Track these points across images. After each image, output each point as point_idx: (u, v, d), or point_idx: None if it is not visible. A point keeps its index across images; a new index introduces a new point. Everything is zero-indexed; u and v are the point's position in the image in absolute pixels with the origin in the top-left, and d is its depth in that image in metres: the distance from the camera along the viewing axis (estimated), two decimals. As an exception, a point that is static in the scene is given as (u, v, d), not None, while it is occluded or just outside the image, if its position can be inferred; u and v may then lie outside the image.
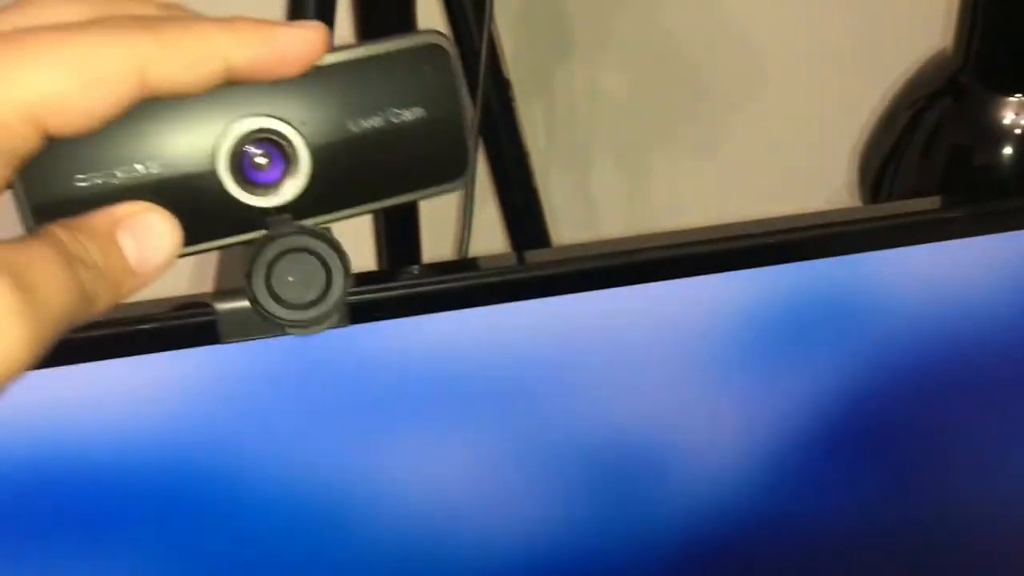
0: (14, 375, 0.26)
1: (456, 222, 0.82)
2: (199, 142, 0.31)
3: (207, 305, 0.39)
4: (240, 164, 0.32)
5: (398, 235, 0.83)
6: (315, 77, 0.32)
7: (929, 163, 0.72)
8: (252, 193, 0.32)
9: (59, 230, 0.29)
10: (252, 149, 0.32)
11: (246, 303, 0.33)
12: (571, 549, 0.53)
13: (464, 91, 0.34)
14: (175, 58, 0.29)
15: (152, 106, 0.30)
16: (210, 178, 0.32)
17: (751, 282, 0.50)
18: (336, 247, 0.33)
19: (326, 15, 0.75)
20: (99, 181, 0.31)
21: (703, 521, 0.54)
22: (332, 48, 0.32)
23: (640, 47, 1.04)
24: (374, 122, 0.33)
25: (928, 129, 0.72)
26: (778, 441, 0.53)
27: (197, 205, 0.32)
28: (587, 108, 1.05)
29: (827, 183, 0.97)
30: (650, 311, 0.49)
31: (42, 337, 0.27)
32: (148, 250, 0.31)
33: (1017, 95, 0.69)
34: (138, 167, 0.31)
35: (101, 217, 0.30)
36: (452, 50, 0.34)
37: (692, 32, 1.03)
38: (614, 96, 1.05)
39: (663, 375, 0.50)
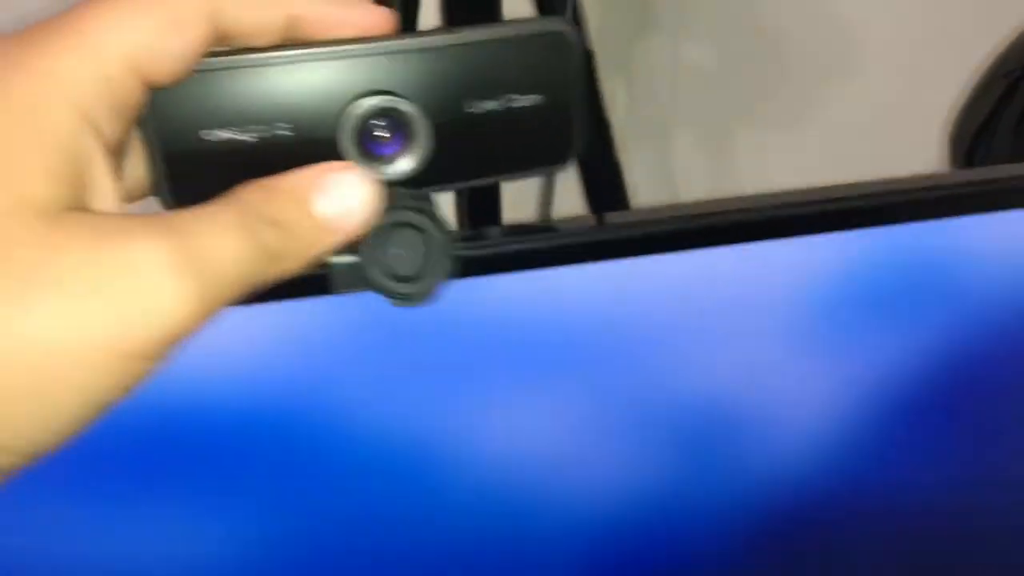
0: (177, 333, 0.27)
1: (537, 191, 0.82)
2: (326, 110, 0.32)
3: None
4: (362, 135, 0.33)
5: (479, 201, 0.83)
6: (440, 56, 0.33)
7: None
8: (369, 164, 0.33)
9: (251, 191, 0.30)
10: (375, 122, 0.33)
11: (357, 258, 0.34)
12: (654, 512, 0.53)
13: (582, 81, 0.35)
14: (245, 7, 0.30)
15: (283, 71, 0.32)
16: (333, 145, 0.32)
17: (838, 246, 0.49)
18: (442, 228, 0.34)
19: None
20: (228, 136, 0.32)
21: (784, 488, 0.53)
22: (459, 29, 0.33)
23: (725, 20, 1.02)
24: (491, 105, 0.34)
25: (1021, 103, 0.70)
26: (864, 408, 0.51)
27: None
28: (670, 81, 1.04)
29: (918, 158, 0.95)
30: (734, 274, 0.48)
31: (211, 298, 0.27)
32: (344, 208, 0.31)
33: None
34: (267, 127, 0.32)
35: (296, 176, 0.31)
36: (575, 39, 0.34)
37: (778, 4, 1.01)
38: (699, 69, 1.03)
39: (749, 339, 0.49)
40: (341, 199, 0.31)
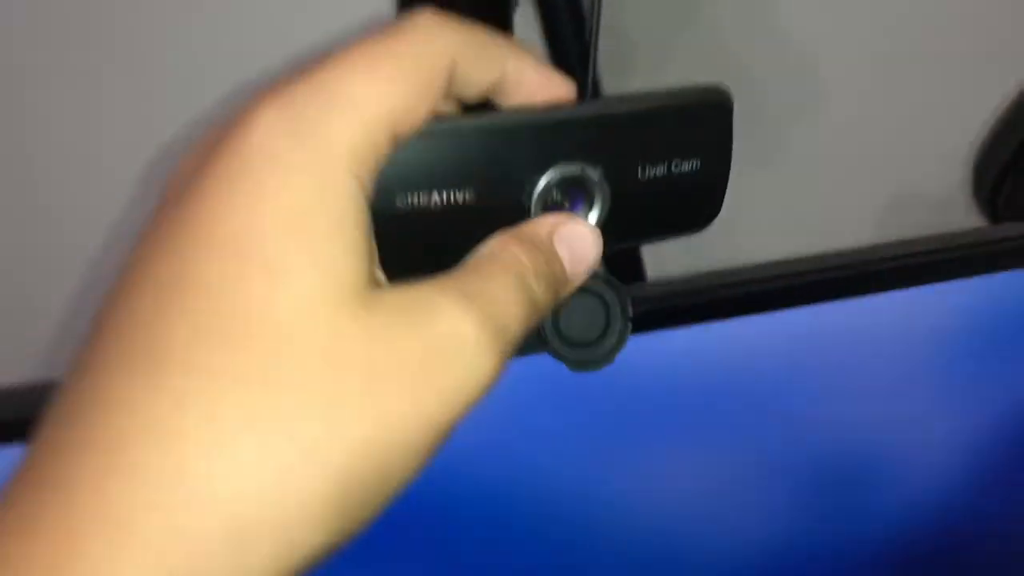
0: (476, 403, 0.28)
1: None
2: (513, 177, 0.32)
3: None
4: (547, 201, 0.33)
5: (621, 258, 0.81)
6: (621, 124, 0.33)
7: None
8: None
9: (514, 244, 0.31)
10: (557, 190, 0.33)
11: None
12: (799, 557, 0.53)
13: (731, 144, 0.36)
14: (475, 55, 0.30)
15: (476, 138, 0.32)
16: (518, 212, 0.33)
17: (951, 295, 0.48)
18: (623, 298, 0.35)
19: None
20: (418, 202, 0.31)
21: (926, 531, 0.52)
22: (631, 96, 0.34)
23: (701, 65, 1.01)
24: (658, 171, 0.34)
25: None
26: (994, 453, 0.50)
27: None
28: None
29: (890, 191, 0.95)
30: (854, 327, 0.47)
31: (506, 360, 0.28)
32: (578, 257, 0.32)
33: None
34: (456, 193, 0.32)
35: (543, 226, 0.32)
36: (731, 104, 0.35)
37: (749, 44, 1.00)
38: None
39: (877, 388, 0.48)
40: (578, 247, 0.32)
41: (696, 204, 0.36)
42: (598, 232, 0.33)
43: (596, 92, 0.76)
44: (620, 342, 0.35)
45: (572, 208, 0.33)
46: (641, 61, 1.00)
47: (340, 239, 0.27)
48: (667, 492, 0.49)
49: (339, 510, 0.25)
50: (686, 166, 0.35)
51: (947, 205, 0.95)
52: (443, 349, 0.27)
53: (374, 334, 0.26)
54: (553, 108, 0.33)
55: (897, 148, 0.95)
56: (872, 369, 0.48)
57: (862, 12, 0.93)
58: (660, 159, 0.34)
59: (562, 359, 0.34)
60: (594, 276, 0.34)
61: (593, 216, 0.33)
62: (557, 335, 0.34)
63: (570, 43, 0.79)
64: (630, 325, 0.35)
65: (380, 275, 0.30)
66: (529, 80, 0.32)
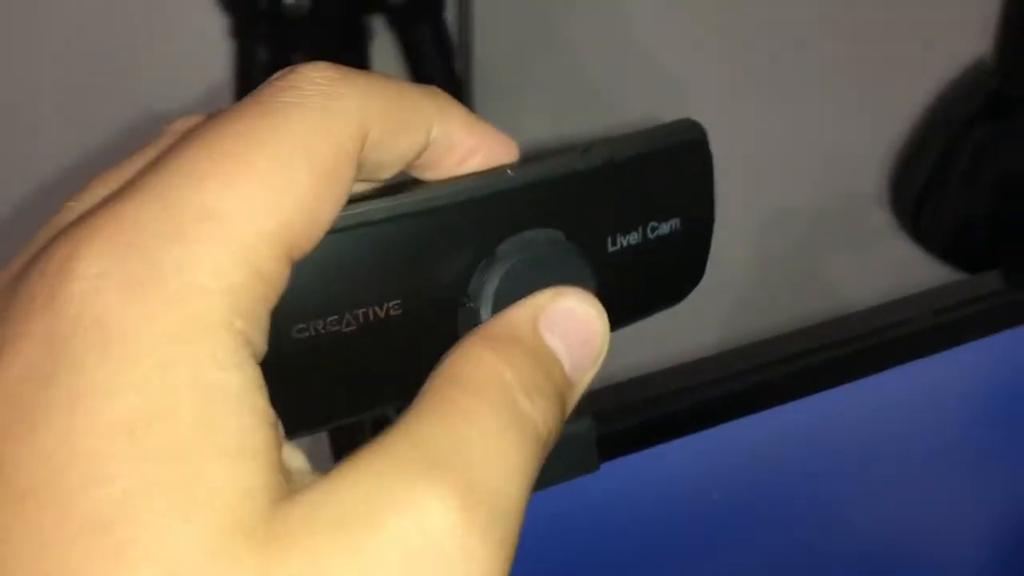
0: None
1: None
2: (451, 274, 0.24)
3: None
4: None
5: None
6: (582, 184, 0.25)
7: (978, 192, 0.66)
8: None
9: (487, 352, 0.21)
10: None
11: None
12: None
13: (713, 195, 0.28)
14: (392, 121, 0.21)
15: (389, 233, 0.23)
16: (462, 313, 0.24)
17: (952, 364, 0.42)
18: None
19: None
20: (323, 328, 0.22)
21: None
22: (583, 147, 0.25)
23: (561, 90, 0.96)
24: (632, 239, 0.27)
25: (971, 156, 0.66)
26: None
27: (441, 344, 0.23)
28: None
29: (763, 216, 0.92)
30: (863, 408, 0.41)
31: (513, 545, 0.19)
32: (581, 349, 0.23)
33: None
34: (375, 309, 0.23)
35: (521, 313, 0.22)
36: (708, 141, 0.28)
37: (615, 74, 0.95)
38: (536, 139, 0.96)
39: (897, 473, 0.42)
40: (578, 333, 0.23)
41: (676, 272, 0.28)
42: (599, 311, 0.24)
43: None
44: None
45: None
46: (502, 85, 0.94)
47: (226, 454, 0.17)
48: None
49: None
50: (664, 228, 0.27)
51: (850, 214, 0.91)
52: (413, 565, 0.18)
53: (309, 552, 0.17)
54: (492, 175, 0.24)
55: (787, 163, 0.91)
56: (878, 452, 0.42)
57: (738, 26, 0.89)
58: (633, 224, 0.27)
59: None
60: None
61: None
62: None
63: (435, 72, 0.72)
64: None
65: (290, 456, 0.21)
66: (461, 144, 0.23)
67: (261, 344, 0.19)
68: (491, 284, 0.24)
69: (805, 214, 0.95)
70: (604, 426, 0.35)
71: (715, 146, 0.28)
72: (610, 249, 0.26)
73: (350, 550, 0.17)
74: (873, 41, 0.84)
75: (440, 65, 0.70)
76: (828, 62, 0.85)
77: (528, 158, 0.25)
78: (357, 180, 0.22)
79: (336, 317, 0.22)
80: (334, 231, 0.21)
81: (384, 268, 0.23)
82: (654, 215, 0.27)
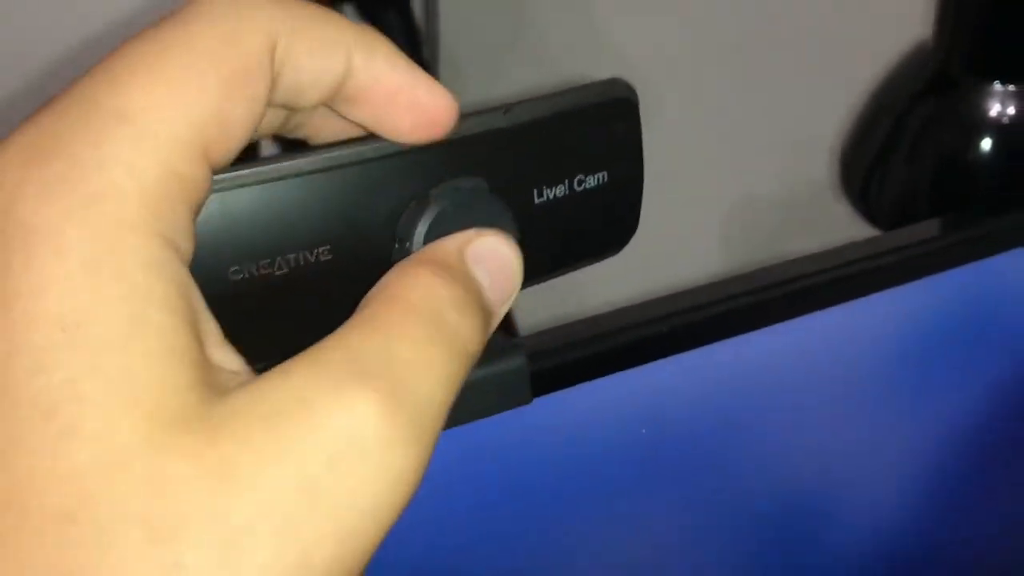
0: (407, 498, 0.20)
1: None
2: (379, 221, 0.26)
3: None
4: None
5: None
6: (509, 139, 0.27)
7: (919, 167, 0.69)
8: None
9: (423, 272, 0.23)
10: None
11: None
12: None
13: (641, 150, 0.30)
14: (306, 36, 0.23)
15: (321, 180, 0.25)
16: (396, 254, 0.26)
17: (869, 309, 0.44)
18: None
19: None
20: (258, 271, 0.24)
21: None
22: (513, 104, 0.28)
23: (528, 78, 0.97)
24: (558, 191, 0.29)
25: (915, 133, 0.69)
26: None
27: (371, 287, 0.25)
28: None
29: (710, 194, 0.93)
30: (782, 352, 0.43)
31: (432, 447, 0.21)
32: (500, 282, 0.25)
33: (1011, 84, 0.66)
34: (306, 254, 0.25)
35: (451, 244, 0.24)
36: (637, 100, 0.30)
37: (581, 63, 0.97)
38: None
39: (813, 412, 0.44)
40: (499, 268, 0.25)
41: (608, 223, 0.30)
42: (518, 249, 0.26)
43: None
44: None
45: None
46: (469, 72, 0.96)
47: (151, 352, 0.19)
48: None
49: None
50: (591, 181, 0.29)
51: (812, 201, 0.93)
52: (335, 463, 0.19)
53: (225, 472, 0.18)
54: None
55: (751, 146, 0.93)
56: (807, 394, 0.44)
57: (698, 10, 0.91)
58: (559, 177, 0.29)
59: None
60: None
61: None
62: None
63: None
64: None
65: (226, 358, 0.22)
66: (385, 79, 0.24)
67: (186, 246, 0.21)
68: (422, 226, 0.26)
69: (770, 201, 0.97)
70: (537, 363, 0.37)
71: (682, 135, 0.31)
72: (537, 201, 0.28)
73: (279, 440, 0.19)
74: (835, 25, 0.87)
75: (407, 52, 0.72)
76: (795, 47, 0.88)
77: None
78: (281, 107, 0.24)
79: (268, 261, 0.24)
80: (267, 180, 0.24)
81: (314, 216, 0.25)
82: (581, 169, 0.29)
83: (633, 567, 0.45)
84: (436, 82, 0.25)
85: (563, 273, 0.30)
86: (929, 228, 0.47)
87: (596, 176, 0.29)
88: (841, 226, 0.92)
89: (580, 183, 0.29)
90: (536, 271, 0.29)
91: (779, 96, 0.91)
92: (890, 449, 0.48)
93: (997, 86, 0.66)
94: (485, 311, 0.24)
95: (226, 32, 0.21)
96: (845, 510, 0.48)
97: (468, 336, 0.23)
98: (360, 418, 0.19)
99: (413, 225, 0.26)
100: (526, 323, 0.76)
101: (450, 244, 0.25)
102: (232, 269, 0.24)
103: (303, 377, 0.20)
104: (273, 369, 0.21)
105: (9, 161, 0.20)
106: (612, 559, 0.44)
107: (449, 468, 0.39)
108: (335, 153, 0.25)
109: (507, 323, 0.74)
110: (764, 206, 0.96)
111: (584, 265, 0.31)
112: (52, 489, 0.18)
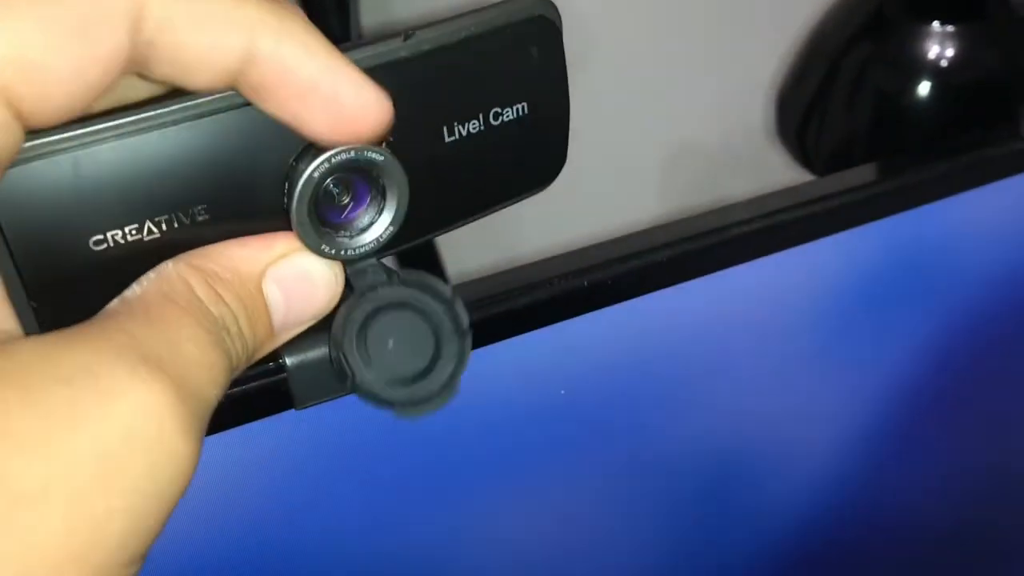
0: (184, 490, 0.20)
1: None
2: (262, 179, 0.23)
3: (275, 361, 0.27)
4: (317, 201, 0.23)
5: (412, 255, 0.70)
6: (406, 76, 0.24)
7: (856, 112, 0.67)
8: (332, 236, 0.24)
9: (195, 283, 0.21)
10: (331, 183, 0.24)
11: (322, 351, 0.25)
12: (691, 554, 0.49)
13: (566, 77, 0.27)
14: (192, 9, 0.20)
15: (191, 130, 0.21)
16: (275, 223, 0.23)
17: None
18: (447, 301, 0.25)
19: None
20: (124, 238, 0.22)
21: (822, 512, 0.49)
22: (414, 31, 0.24)
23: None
24: (472, 127, 0.26)
25: (851, 76, 0.67)
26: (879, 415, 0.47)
27: None
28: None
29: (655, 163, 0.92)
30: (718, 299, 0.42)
31: (201, 438, 0.20)
32: (297, 308, 0.23)
33: (949, 24, 0.65)
34: (179, 215, 0.22)
35: (246, 260, 0.22)
36: (559, 20, 0.26)
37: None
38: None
39: (747, 362, 0.42)
40: (299, 293, 0.23)
41: (533, 157, 0.27)
42: (334, 274, 0.23)
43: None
44: (459, 366, 0.25)
45: (356, 204, 0.24)
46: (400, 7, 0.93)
47: None
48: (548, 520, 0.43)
49: None
50: (509, 113, 0.26)
51: (748, 146, 0.92)
52: (131, 440, 0.18)
53: (10, 430, 0.18)
54: None
55: (687, 90, 0.91)
56: (737, 347, 0.43)
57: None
58: (472, 111, 0.25)
59: (383, 404, 0.24)
60: (405, 281, 0.24)
61: (389, 210, 0.24)
62: (370, 371, 0.24)
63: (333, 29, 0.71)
64: (470, 340, 0.25)
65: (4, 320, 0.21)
66: (297, 68, 0.21)
67: None
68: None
69: (706, 145, 0.95)
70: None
71: (621, 83, 0.28)
72: (448, 139, 0.25)
73: (74, 408, 0.18)
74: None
75: (337, 24, 0.69)
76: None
77: (347, 45, 0.23)
78: (164, 84, 0.22)
79: (136, 227, 0.22)
80: (127, 134, 0.21)
81: (185, 171, 0.22)
82: (497, 101, 0.26)
83: (557, 532, 0.44)
84: (364, 78, 0.22)
85: (487, 213, 0.28)
86: (865, 174, 0.45)
87: (515, 108, 0.26)
88: (777, 171, 0.91)
89: (497, 116, 0.26)
90: (453, 213, 0.27)
91: (715, 39, 0.90)
92: (826, 398, 0.47)
93: (936, 26, 0.64)
94: (260, 339, 0.23)
95: None
96: (782, 462, 0.48)
97: (239, 353, 0.22)
98: (155, 402, 0.19)
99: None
100: (455, 269, 0.74)
101: (253, 258, 0.23)
102: (94, 239, 0.21)
103: (92, 351, 0.19)
104: (48, 335, 0.19)
105: None
106: (534, 523, 0.43)
107: (366, 437, 0.37)
108: (206, 99, 0.22)
109: (436, 267, 0.72)
110: (700, 150, 0.94)
111: (510, 203, 0.28)
112: None
